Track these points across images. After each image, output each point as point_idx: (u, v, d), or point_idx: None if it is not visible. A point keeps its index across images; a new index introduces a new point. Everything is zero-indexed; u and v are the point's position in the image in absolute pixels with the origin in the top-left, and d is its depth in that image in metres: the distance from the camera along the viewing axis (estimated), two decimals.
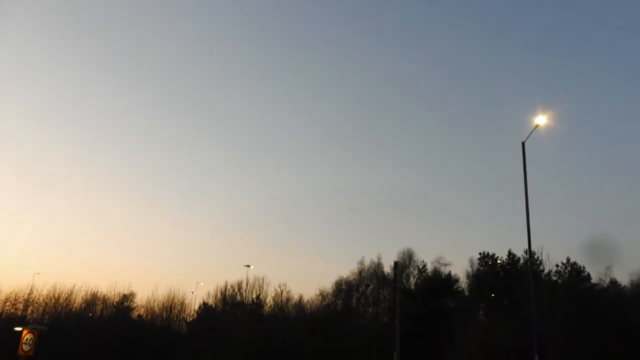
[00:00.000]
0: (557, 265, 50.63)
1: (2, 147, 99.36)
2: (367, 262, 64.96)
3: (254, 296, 59.53)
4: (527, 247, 24.12)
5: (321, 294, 62.81)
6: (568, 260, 50.76)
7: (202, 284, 68.58)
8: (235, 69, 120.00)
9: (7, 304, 54.57)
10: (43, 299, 56.03)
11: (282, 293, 60.74)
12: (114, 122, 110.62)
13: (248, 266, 62.50)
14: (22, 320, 46.23)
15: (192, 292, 67.02)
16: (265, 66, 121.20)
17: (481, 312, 53.27)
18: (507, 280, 51.08)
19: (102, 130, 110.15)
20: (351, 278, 64.36)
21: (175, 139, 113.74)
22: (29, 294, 55.52)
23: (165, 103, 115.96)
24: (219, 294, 60.70)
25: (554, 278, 49.96)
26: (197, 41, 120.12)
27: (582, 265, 50.32)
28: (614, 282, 52.21)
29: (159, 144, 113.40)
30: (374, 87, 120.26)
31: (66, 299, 56.69)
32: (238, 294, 59.69)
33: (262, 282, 60.09)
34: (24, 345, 18.72)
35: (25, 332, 19.11)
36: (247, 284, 59.86)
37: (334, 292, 63.49)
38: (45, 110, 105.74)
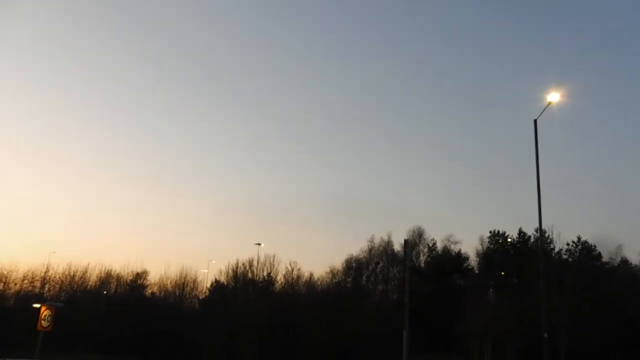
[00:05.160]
0: (567, 244, 50.56)
1: (23, 133, 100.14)
2: (377, 240, 65.36)
3: (265, 274, 60.17)
4: (537, 225, 24.03)
5: (331, 271, 63.37)
6: (579, 238, 50.62)
7: (213, 261, 69.33)
8: (258, 60, 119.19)
9: (25, 281, 56.03)
10: (59, 277, 57.36)
11: (292, 271, 61.37)
12: (134, 109, 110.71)
13: (259, 244, 63.06)
14: (40, 298, 47.46)
15: (204, 270, 67.90)
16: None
17: (491, 290, 53.51)
18: (517, 259, 51.12)
19: (120, 115, 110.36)
20: (361, 256, 64.86)
21: (190, 122, 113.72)
22: (45, 272, 56.86)
23: (187, 90, 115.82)
24: (230, 272, 61.42)
25: (565, 257, 49.94)
26: (212, 33, 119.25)
27: (592, 244, 50.22)
28: (624, 261, 52.11)
29: (172, 127, 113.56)
30: (379, 68, 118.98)
31: (81, 277, 57.96)
32: (249, 271, 60.35)
33: (273, 260, 60.67)
34: (42, 322, 19.22)
35: (43, 308, 19.61)
36: (258, 261, 60.47)
37: (344, 270, 64.02)
38: (68, 100, 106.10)
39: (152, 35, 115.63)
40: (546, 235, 47.21)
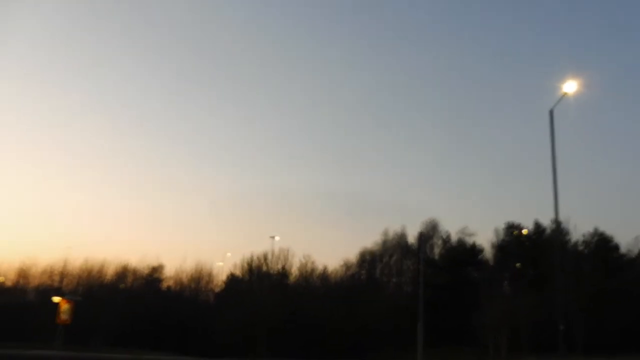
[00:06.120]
0: (584, 235, 50.09)
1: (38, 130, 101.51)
2: (391, 233, 65.30)
3: (280, 267, 60.48)
4: (553, 217, 23.76)
5: (345, 264, 63.55)
6: (596, 230, 50.14)
7: (229, 255, 69.92)
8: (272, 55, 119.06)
9: (44, 275, 57.18)
10: (77, 271, 58.27)
11: (306, 264, 61.56)
12: (147, 105, 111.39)
13: (273, 237, 63.33)
14: (59, 291, 48.28)
15: (220, 264, 68.44)
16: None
17: (506, 282, 53.25)
18: (532, 251, 50.79)
19: (133, 111, 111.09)
20: (375, 248, 64.88)
21: (203, 118, 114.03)
22: (63, 267, 57.87)
23: (198, 86, 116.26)
24: (245, 265, 61.75)
25: (581, 248, 49.51)
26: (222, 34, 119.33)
27: (610, 235, 49.67)
28: None
29: (186, 123, 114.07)
30: (391, 62, 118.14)
31: (98, 271, 58.74)
32: (264, 264, 60.66)
33: (287, 253, 60.90)
34: (62, 315, 19.61)
35: (62, 302, 19.99)
36: (272, 255, 60.74)
37: (357, 262, 64.16)
38: (82, 96, 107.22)
39: (154, 30, 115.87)
40: (562, 226, 46.80)
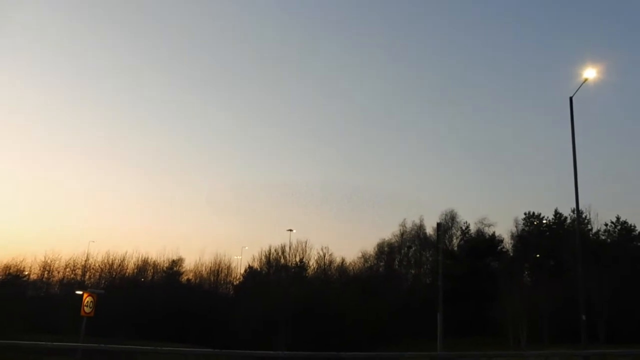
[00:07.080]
0: (606, 225, 49.36)
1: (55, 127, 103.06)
2: (409, 224, 65.11)
3: (298, 259, 60.76)
4: (574, 206, 23.43)
5: (363, 256, 63.60)
6: (618, 219, 49.32)
7: (246, 248, 70.43)
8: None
9: (67, 269, 58.42)
10: (99, 265, 59.30)
11: (324, 256, 61.73)
12: (162, 101, 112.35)
13: (291, 230, 63.62)
14: (81, 285, 49.27)
15: (238, 257, 69.02)
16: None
17: (526, 273, 52.76)
18: (553, 241, 50.21)
19: (151, 108, 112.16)
20: (393, 240, 64.80)
21: (215, 113, 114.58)
22: (85, 261, 58.97)
23: (208, 76, 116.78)
24: (263, 258, 62.19)
25: (603, 237, 48.79)
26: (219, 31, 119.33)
27: (632, 224, 48.84)
28: None
29: (203, 117, 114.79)
30: (402, 55, 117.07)
31: (119, 265, 59.60)
32: (282, 257, 61.01)
33: (305, 246, 61.15)
34: (85, 308, 19.98)
35: (85, 295, 20.37)
36: (290, 247, 61.07)
37: (376, 254, 64.19)
38: (97, 94, 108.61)
39: (156, 24, 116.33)
40: (583, 215, 46.22)
